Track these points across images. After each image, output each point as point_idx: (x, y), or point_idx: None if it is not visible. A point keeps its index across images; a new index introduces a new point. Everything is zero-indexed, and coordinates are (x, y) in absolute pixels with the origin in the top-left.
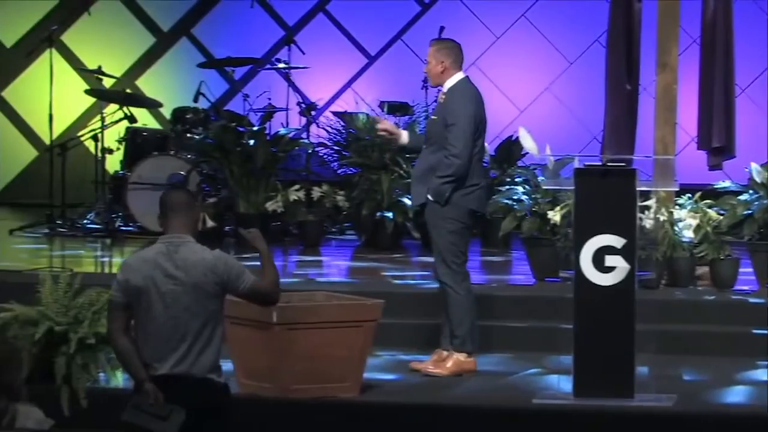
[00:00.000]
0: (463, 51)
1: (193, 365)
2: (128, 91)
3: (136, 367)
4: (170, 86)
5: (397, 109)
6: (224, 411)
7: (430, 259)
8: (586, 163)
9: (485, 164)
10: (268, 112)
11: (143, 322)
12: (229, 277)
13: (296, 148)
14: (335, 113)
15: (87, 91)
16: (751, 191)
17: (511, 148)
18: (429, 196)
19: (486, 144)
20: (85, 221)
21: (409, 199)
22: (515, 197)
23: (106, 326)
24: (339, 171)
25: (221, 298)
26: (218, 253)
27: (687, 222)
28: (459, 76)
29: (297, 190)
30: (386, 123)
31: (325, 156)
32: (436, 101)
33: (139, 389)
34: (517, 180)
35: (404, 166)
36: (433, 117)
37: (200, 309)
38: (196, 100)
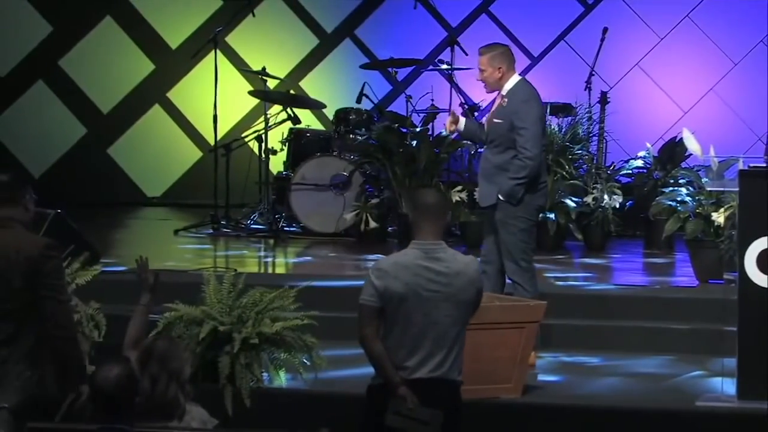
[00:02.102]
0: (513, 53)
1: (449, 369)
2: (292, 92)
3: (390, 371)
4: (333, 87)
5: (560, 110)
6: (461, 409)
7: (593, 261)
8: (751, 165)
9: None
10: (431, 113)
11: (400, 326)
12: (480, 290)
13: (459, 149)
14: None
15: (251, 92)
16: None
17: (674, 149)
18: (500, 197)
19: (649, 145)
20: (248, 221)
21: (572, 200)
22: (679, 199)
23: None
24: None
25: (476, 307)
26: (477, 263)
27: None
28: (516, 78)
29: (459, 191)
30: (450, 121)
31: None
32: (492, 103)
33: (394, 393)
34: (680, 181)
35: (567, 167)
36: (496, 120)
37: (460, 317)
38: (359, 101)
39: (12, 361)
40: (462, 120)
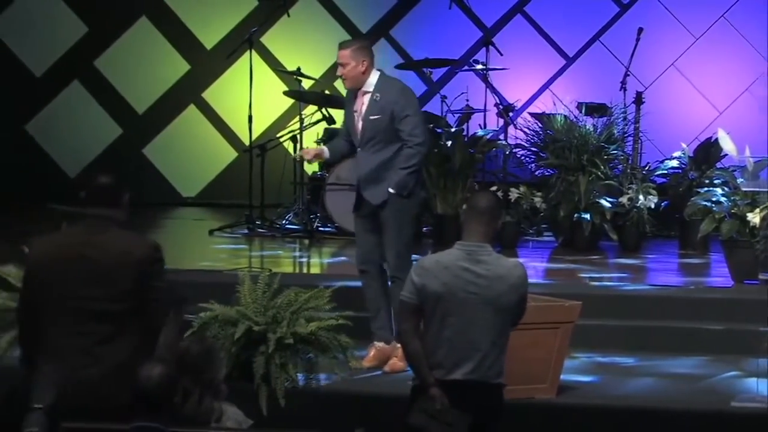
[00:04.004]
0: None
1: (487, 372)
2: (326, 92)
3: (424, 370)
4: None
5: (595, 110)
6: (502, 410)
7: (628, 261)
8: None
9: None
10: (466, 114)
11: (437, 326)
12: (523, 296)
13: (494, 149)
14: (533, 114)
15: (286, 93)
16: None
17: (709, 149)
18: (391, 189)
19: (685, 145)
20: (283, 222)
21: (607, 200)
22: (714, 199)
23: (293, 328)
24: (536, 172)
25: (519, 312)
26: (522, 268)
27: None
28: (377, 73)
29: (494, 191)
30: (307, 152)
31: (522, 157)
32: (351, 102)
33: (426, 392)
34: (716, 182)
35: (602, 167)
36: (373, 117)
37: (499, 321)
38: None
39: (105, 363)
40: (326, 150)
